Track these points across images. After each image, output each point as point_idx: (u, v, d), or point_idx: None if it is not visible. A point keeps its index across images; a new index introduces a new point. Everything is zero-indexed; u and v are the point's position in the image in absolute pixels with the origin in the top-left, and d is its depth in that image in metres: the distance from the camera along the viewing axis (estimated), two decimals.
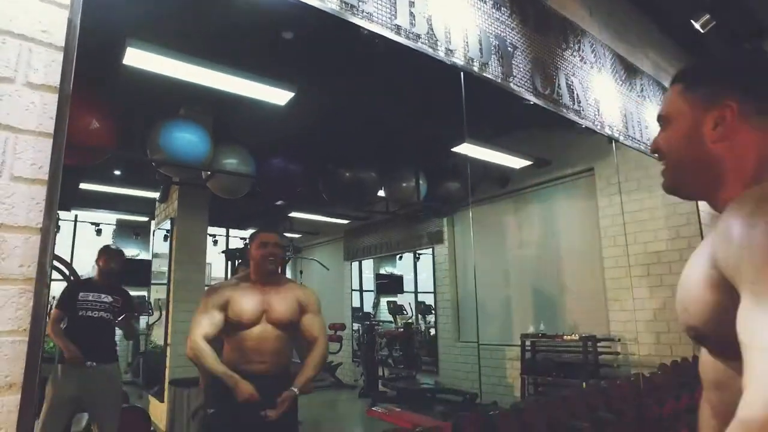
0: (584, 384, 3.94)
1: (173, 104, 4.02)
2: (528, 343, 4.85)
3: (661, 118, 0.82)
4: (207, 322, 2.13)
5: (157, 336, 5.45)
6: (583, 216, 4.97)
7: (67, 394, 2.98)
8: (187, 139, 3.58)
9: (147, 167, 3.93)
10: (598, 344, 4.31)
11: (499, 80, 2.19)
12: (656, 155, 0.83)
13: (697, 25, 2.78)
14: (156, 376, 4.99)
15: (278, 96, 3.35)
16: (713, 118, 0.73)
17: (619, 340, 4.36)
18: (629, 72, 3.16)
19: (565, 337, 4.50)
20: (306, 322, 2.27)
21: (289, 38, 3.34)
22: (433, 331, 6.84)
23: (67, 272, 4.45)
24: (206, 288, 2.25)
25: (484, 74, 2.12)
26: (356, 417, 5.50)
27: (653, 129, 3.27)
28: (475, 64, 2.09)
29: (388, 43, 1.82)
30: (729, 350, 0.63)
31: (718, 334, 0.62)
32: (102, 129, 3.19)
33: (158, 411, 4.75)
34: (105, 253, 3.30)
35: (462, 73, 2.03)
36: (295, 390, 2.14)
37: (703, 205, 3.82)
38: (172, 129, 3.53)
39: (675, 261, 4.02)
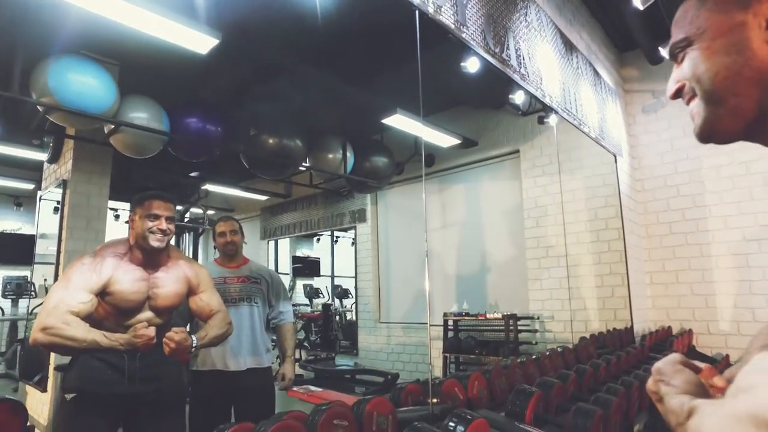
0: (506, 360, 3.99)
1: (70, 45, 3.45)
2: (450, 322, 4.85)
3: (676, 46, 0.64)
4: (71, 301, 1.66)
5: None
6: (507, 197, 5.04)
7: None
8: (84, 82, 3.07)
9: (32, 115, 3.34)
10: (519, 322, 4.40)
11: (453, 27, 2.04)
12: (680, 96, 0.64)
13: (637, 2, 2.82)
14: (37, 364, 4.34)
15: (200, 42, 2.96)
16: (761, 13, 0.56)
17: (538, 318, 4.48)
18: (567, 47, 3.17)
19: (487, 315, 4.54)
20: (201, 302, 1.98)
21: None
22: (351, 315, 6.69)
23: None
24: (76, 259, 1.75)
25: (439, 17, 1.95)
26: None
27: (587, 108, 3.32)
28: (429, 4, 1.91)
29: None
30: None
31: None
32: None
33: (38, 402, 4.15)
34: None
35: (417, 13, 1.85)
36: (194, 338, 1.80)
37: (624, 187, 3.99)
38: (65, 67, 3.00)
39: (593, 241, 4.18)
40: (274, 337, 2.84)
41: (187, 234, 5.29)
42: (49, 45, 3.20)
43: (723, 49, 0.59)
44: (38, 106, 3.07)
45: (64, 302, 1.64)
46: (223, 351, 2.44)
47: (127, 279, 1.79)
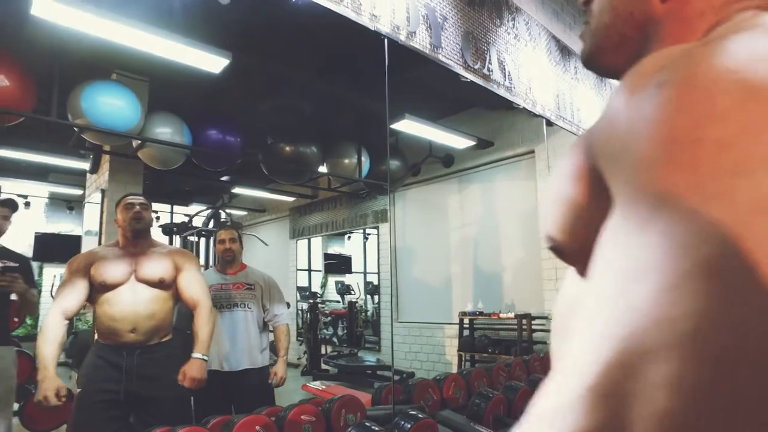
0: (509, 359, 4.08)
1: (104, 67, 3.79)
2: (466, 321, 4.95)
3: None
4: (68, 292, 2.01)
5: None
6: (523, 197, 5.08)
7: None
8: (112, 104, 3.38)
9: (70, 133, 3.70)
10: (533, 322, 4.45)
11: (427, 51, 2.16)
12: (584, 8, 0.59)
13: None
14: (85, 354, 4.78)
15: (213, 63, 3.20)
16: None
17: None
18: (564, 53, 3.21)
19: (501, 315, 4.62)
20: (184, 281, 2.16)
21: (226, 3, 3.22)
22: (377, 311, 6.89)
23: None
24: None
25: (411, 43, 2.08)
26: (293, 393, 5.49)
27: (585, 112, 3.35)
28: (401, 32, 2.05)
29: (313, 7, 1.75)
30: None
31: (585, 249, 0.39)
32: (13, 88, 2.97)
33: None
34: None
35: (386, 41, 1.99)
36: (199, 356, 2.05)
37: None
38: (95, 91, 3.32)
39: None
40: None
41: (204, 238, 5.61)
42: (87, 66, 3.54)
43: None
44: (74, 127, 3.40)
45: (60, 296, 2.01)
46: (219, 352, 2.67)
47: (111, 256, 2.10)
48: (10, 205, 2.61)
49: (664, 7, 0.50)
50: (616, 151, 0.33)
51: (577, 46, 3.45)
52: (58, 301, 2.02)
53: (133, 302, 2.03)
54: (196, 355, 2.05)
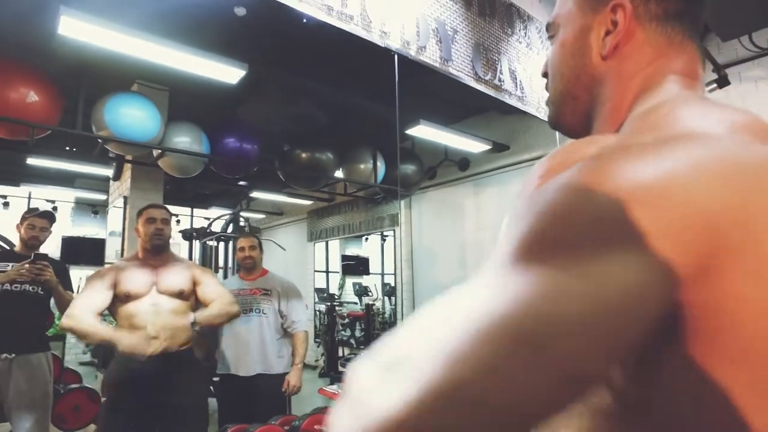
0: None
1: (126, 79, 3.91)
2: None
3: (548, 27, 0.63)
4: (92, 296, 2.10)
5: None
6: None
7: None
8: (134, 115, 3.48)
9: (95, 144, 3.82)
10: None
11: (437, 64, 2.19)
12: (544, 78, 0.64)
13: None
14: (110, 355, 4.92)
15: (229, 74, 3.28)
16: (603, 22, 0.55)
17: None
18: None
19: None
20: (203, 288, 2.24)
21: (242, 15, 3.29)
22: (395, 312, 6.93)
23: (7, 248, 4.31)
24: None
25: (421, 57, 2.12)
26: (311, 396, 5.57)
27: None
28: (411, 47, 2.08)
29: (323, 23, 1.80)
30: None
31: None
32: (42, 103, 3.09)
33: None
34: (28, 216, 2.75)
35: (396, 56, 2.03)
36: (193, 316, 2.14)
37: None
38: (118, 103, 3.43)
39: None
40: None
41: (223, 243, 5.71)
42: (110, 77, 3.66)
43: (570, 51, 0.58)
44: (98, 139, 3.52)
45: (86, 298, 2.09)
46: (234, 357, 2.74)
47: (133, 268, 2.20)
48: (49, 217, 2.75)
49: (604, 65, 0.56)
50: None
51: None
52: (80, 300, 2.10)
53: (154, 312, 2.12)
54: (189, 318, 2.16)
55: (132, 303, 2.13)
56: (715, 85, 3.88)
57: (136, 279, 2.16)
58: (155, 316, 2.12)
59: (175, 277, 2.20)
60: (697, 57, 0.55)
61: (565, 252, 0.33)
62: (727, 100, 4.54)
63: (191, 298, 2.24)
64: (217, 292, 2.27)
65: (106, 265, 2.32)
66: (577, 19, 0.57)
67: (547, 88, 0.63)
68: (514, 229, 0.39)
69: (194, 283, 2.25)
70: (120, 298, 2.15)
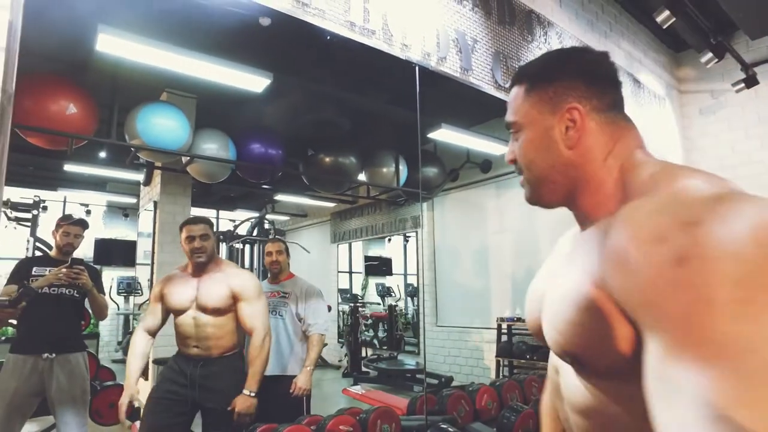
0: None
1: (156, 88, 4.06)
2: (504, 326, 4.97)
3: (510, 125, 0.76)
4: (149, 313, 2.37)
5: None
6: None
7: (21, 389, 2.60)
8: (164, 125, 3.62)
9: (128, 151, 3.98)
10: None
11: (458, 74, 2.24)
12: (514, 167, 0.77)
13: (658, 20, 2.80)
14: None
15: (255, 83, 3.39)
16: (562, 120, 0.69)
17: None
18: None
19: None
20: (242, 311, 2.28)
21: (267, 24, 3.38)
22: (417, 313, 6.98)
23: (46, 251, 4.52)
24: None
25: (441, 68, 2.17)
26: (335, 396, 5.67)
27: None
28: (432, 58, 2.14)
29: (343, 38, 1.87)
30: (606, 376, 0.59)
31: (601, 361, 0.57)
32: (80, 114, 3.24)
33: (143, 387, 4.88)
34: (63, 224, 2.81)
35: (417, 68, 2.08)
36: (247, 392, 2.18)
37: None
38: (149, 114, 3.57)
39: None
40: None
41: (249, 246, 5.84)
42: (141, 86, 3.81)
43: (539, 145, 0.71)
44: (131, 148, 3.67)
45: (144, 321, 2.37)
46: None
47: (179, 283, 2.35)
48: (82, 224, 2.89)
49: (572, 153, 0.69)
50: (643, 301, 0.48)
51: (613, 54, 3.43)
52: (142, 322, 2.40)
53: (194, 325, 2.26)
54: (245, 391, 2.20)
55: (178, 316, 2.31)
56: (742, 84, 3.81)
57: (179, 294, 2.31)
58: (195, 329, 2.26)
59: (214, 296, 2.26)
60: (638, 130, 0.71)
61: None
62: (756, 99, 4.43)
63: (231, 309, 2.29)
64: (251, 324, 2.29)
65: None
66: (539, 122, 0.71)
67: (518, 172, 0.76)
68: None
69: (234, 298, 2.28)
70: (169, 311, 2.36)
